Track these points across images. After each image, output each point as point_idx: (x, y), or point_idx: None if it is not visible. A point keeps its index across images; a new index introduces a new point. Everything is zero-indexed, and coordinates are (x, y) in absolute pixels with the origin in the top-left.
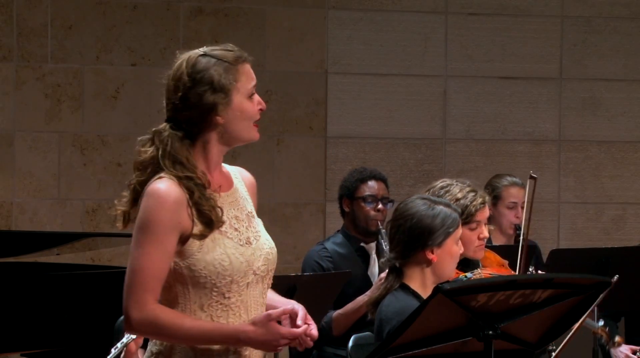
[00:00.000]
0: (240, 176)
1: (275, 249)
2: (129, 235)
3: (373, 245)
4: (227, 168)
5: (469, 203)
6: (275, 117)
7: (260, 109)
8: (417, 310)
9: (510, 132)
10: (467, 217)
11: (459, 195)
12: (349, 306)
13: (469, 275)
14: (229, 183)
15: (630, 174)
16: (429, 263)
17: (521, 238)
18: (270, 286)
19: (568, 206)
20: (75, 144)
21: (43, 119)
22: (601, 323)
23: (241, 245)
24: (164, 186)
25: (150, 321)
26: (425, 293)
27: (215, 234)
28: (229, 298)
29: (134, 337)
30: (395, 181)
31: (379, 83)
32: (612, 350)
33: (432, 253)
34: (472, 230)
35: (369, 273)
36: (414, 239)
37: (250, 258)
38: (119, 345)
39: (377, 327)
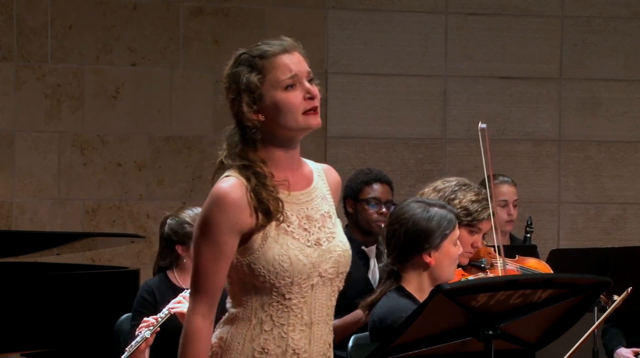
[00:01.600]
0: (324, 174)
1: (350, 251)
2: (129, 235)
3: (373, 248)
4: (311, 165)
5: (480, 209)
6: None
7: (310, 98)
8: (418, 310)
9: (510, 132)
10: (473, 220)
11: (474, 198)
12: (348, 318)
13: (471, 278)
14: (307, 181)
15: (630, 174)
16: (426, 266)
17: (487, 187)
18: (341, 288)
19: (568, 206)
20: (75, 144)
21: (43, 119)
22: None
23: (308, 246)
24: (227, 185)
25: (185, 328)
26: (422, 297)
27: (280, 233)
28: (289, 299)
29: (147, 335)
30: (395, 181)
31: (379, 83)
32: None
33: (430, 256)
34: (471, 233)
35: (369, 276)
36: (410, 243)
37: (317, 260)
38: (133, 343)
39: (371, 329)
